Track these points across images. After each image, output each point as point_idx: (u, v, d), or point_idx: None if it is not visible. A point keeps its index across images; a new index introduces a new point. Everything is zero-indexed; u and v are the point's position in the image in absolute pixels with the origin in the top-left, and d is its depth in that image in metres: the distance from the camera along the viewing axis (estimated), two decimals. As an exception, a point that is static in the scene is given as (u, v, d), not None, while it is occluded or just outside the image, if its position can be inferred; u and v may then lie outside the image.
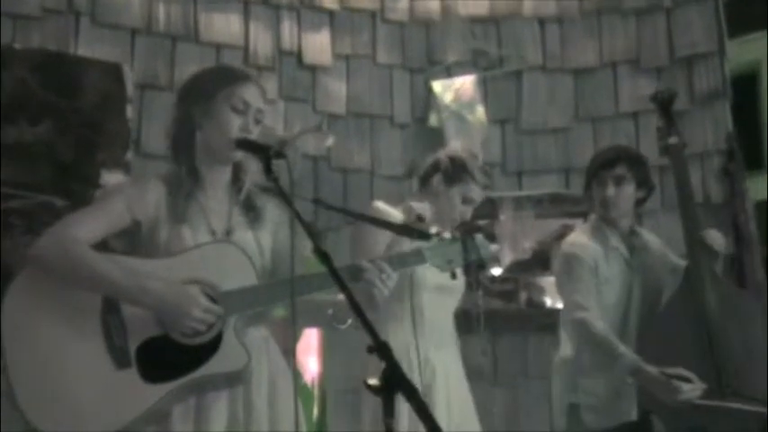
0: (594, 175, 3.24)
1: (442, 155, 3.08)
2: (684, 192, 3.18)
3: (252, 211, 2.39)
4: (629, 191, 3.21)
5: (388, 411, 1.63)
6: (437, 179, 3.03)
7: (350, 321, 2.54)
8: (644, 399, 3.06)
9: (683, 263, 3.22)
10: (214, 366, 2.19)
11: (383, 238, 2.85)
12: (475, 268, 2.58)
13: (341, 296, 2.48)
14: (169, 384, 2.17)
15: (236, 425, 2.25)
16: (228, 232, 2.34)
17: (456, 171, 3.01)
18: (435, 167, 3.06)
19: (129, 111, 3.98)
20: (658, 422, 3.07)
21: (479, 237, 2.54)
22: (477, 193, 3.04)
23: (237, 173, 2.41)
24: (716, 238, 3.20)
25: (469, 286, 3.65)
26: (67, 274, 2.20)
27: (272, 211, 2.41)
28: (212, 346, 2.20)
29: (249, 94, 2.35)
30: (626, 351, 3.02)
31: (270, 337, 2.41)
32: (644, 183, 3.25)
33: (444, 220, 2.98)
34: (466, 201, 3.02)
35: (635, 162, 3.22)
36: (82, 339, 2.19)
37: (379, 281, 2.29)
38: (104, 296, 2.21)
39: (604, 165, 3.21)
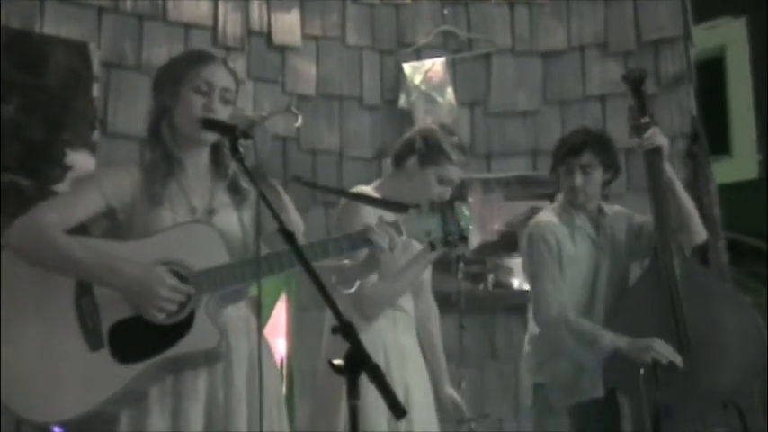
0: (561, 161, 3.26)
1: (415, 134, 3.01)
2: (655, 171, 3.15)
3: (237, 194, 2.43)
4: (597, 177, 3.24)
5: (353, 392, 1.64)
6: (412, 161, 2.96)
7: (356, 285, 2.53)
8: (609, 376, 3.10)
9: (646, 218, 3.23)
10: (186, 345, 2.20)
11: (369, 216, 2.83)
12: (456, 240, 2.41)
13: (346, 261, 2.50)
14: (141, 364, 2.18)
15: (216, 404, 2.27)
16: (210, 211, 2.37)
17: (431, 152, 2.93)
18: (410, 148, 2.98)
19: (96, 90, 3.93)
20: (624, 401, 3.11)
21: (459, 207, 2.43)
22: (454, 173, 2.97)
23: (219, 155, 2.43)
24: (654, 133, 3.15)
25: (448, 265, 3.60)
26: (39, 257, 2.23)
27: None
28: (184, 326, 2.21)
29: (214, 75, 2.37)
30: (603, 333, 3.06)
31: (250, 315, 2.43)
32: (611, 166, 3.28)
33: (421, 201, 2.95)
34: (443, 182, 2.96)
35: (601, 147, 3.24)
36: (56, 322, 2.21)
37: (386, 243, 2.30)
38: (77, 279, 2.23)
39: (571, 152, 3.23)
